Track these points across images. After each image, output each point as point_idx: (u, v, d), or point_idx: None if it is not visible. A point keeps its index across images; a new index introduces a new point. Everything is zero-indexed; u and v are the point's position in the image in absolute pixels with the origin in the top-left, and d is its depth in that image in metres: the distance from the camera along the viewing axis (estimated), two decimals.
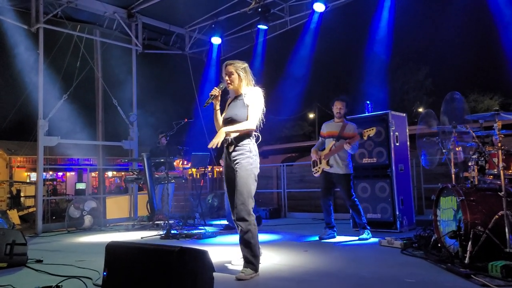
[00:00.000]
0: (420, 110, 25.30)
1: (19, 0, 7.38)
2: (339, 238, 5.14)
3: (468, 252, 3.21)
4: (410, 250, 4.08)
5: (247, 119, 3.38)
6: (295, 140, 27.49)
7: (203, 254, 2.46)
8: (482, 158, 3.79)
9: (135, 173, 7.46)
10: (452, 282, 2.93)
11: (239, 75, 3.46)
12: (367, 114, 5.86)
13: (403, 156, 5.75)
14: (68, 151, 11.44)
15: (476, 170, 3.69)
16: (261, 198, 8.94)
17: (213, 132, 3.49)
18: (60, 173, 20.57)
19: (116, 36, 8.72)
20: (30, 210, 8.86)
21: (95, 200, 7.56)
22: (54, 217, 8.10)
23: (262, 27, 8.43)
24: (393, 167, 5.48)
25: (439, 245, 3.77)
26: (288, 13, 8.79)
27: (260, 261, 3.41)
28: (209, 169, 9.71)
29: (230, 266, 3.62)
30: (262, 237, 4.97)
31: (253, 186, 3.35)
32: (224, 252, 4.40)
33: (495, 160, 3.54)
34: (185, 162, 10.44)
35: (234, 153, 3.38)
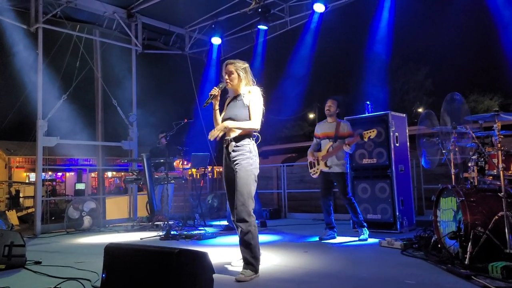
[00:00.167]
0: (420, 110, 25.32)
1: (18, 0, 7.37)
2: (339, 239, 5.14)
3: (468, 253, 3.21)
4: (410, 251, 4.07)
5: (248, 119, 3.37)
6: (295, 140, 27.43)
7: (202, 256, 2.45)
8: (482, 159, 3.79)
9: (135, 173, 7.44)
10: (452, 283, 2.93)
11: (239, 75, 3.46)
12: (367, 114, 5.86)
13: (403, 157, 5.75)
14: (68, 152, 11.41)
15: (476, 171, 3.69)
16: (261, 198, 8.89)
17: None
18: (59, 174, 20.51)
19: (116, 36, 8.70)
20: (29, 210, 8.83)
21: (95, 201, 7.53)
22: (53, 218, 8.06)
23: (262, 27, 8.41)
24: (393, 168, 5.48)
25: (439, 246, 3.77)
26: (288, 14, 8.78)
27: (260, 262, 3.39)
28: (209, 169, 9.71)
29: (230, 268, 3.61)
30: (262, 237, 4.97)
31: (253, 187, 3.34)
32: (224, 253, 4.40)
33: (495, 160, 3.54)
34: (185, 163, 10.42)
35: (233, 154, 3.36)
